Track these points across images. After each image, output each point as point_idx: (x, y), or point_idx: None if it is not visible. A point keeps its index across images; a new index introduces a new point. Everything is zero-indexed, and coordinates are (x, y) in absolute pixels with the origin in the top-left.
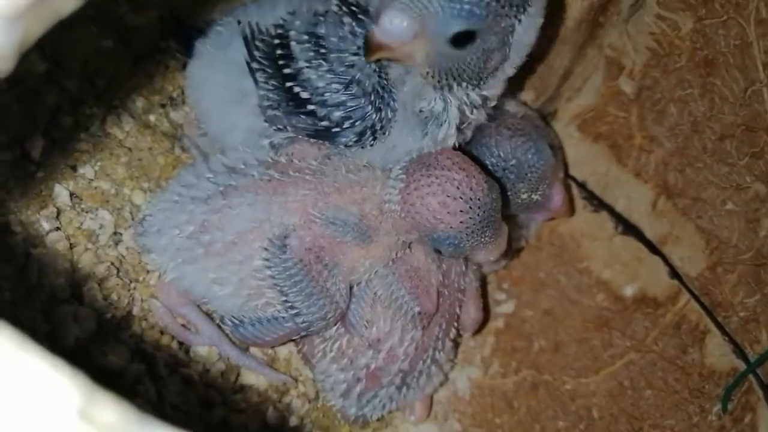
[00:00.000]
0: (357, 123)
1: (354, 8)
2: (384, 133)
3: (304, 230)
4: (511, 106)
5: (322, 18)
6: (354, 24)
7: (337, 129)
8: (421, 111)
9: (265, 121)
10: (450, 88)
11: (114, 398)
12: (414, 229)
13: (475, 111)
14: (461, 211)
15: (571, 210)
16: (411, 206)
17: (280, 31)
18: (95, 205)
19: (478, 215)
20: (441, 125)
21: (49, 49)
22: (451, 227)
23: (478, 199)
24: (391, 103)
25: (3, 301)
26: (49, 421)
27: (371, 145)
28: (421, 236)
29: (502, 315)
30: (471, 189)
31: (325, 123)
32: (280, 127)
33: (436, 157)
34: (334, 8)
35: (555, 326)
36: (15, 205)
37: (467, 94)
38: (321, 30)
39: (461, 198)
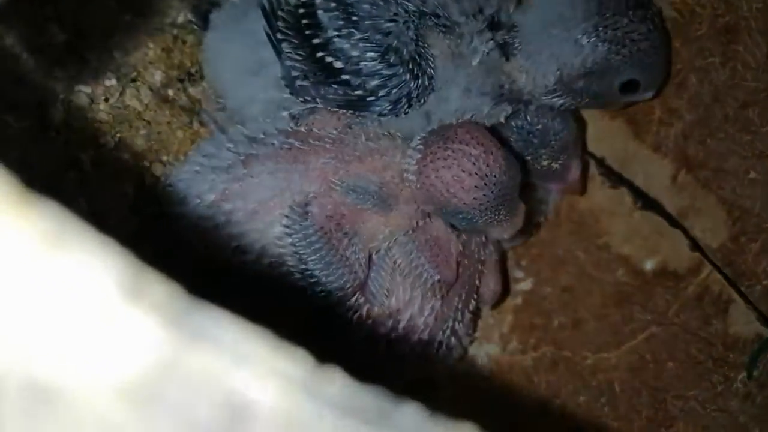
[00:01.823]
0: (393, 91)
1: None
2: (420, 101)
3: (324, 198)
4: None
5: None
6: None
7: (371, 98)
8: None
9: (292, 93)
10: None
11: (163, 279)
12: (429, 200)
13: None
14: (476, 187)
15: (584, 188)
16: (426, 178)
17: (303, 0)
18: (115, 175)
19: (493, 192)
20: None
21: (69, 21)
22: (464, 203)
23: (494, 176)
24: (428, 70)
25: None
26: (93, 296)
27: (405, 113)
28: (436, 208)
29: (520, 292)
30: (488, 165)
31: (359, 92)
32: (308, 98)
33: (456, 130)
34: None
35: (574, 303)
36: (36, 172)
37: None
38: None
39: (476, 174)
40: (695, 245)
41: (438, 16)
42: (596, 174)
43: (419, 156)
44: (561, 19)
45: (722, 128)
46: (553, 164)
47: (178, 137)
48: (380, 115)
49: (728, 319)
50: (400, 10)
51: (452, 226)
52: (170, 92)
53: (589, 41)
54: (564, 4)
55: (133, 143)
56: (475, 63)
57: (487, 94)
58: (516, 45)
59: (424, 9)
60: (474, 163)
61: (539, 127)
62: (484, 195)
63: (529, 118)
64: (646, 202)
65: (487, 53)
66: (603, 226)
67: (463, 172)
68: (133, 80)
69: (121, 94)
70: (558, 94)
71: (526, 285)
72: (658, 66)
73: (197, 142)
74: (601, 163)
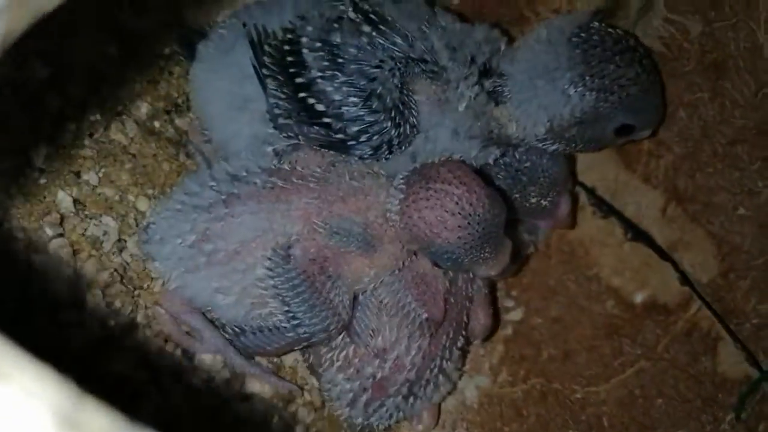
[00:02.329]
0: (374, 137)
1: (372, 16)
2: (401, 148)
3: (307, 240)
4: None
5: (336, 25)
6: (374, 33)
7: (352, 142)
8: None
9: (275, 128)
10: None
11: (102, 406)
12: (413, 240)
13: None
14: (459, 226)
15: (574, 222)
16: (409, 218)
17: (290, 36)
18: (99, 212)
19: (477, 231)
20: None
21: (53, 56)
22: (448, 242)
23: (478, 215)
24: (411, 119)
25: (4, 309)
26: (30, 427)
27: (386, 159)
28: (420, 248)
29: (510, 322)
30: (470, 204)
31: (339, 135)
32: (291, 135)
33: (438, 169)
34: (351, 15)
35: (564, 334)
36: (17, 212)
37: None
38: (336, 38)
39: (460, 214)
40: (685, 279)
41: (425, 62)
42: (587, 204)
43: (402, 196)
44: (546, 70)
45: (711, 163)
46: (542, 201)
47: (164, 170)
48: (360, 158)
49: (717, 357)
50: (386, 56)
51: (438, 264)
52: (156, 124)
53: (576, 91)
54: (549, 53)
55: (118, 178)
56: (461, 108)
57: (476, 138)
58: (505, 93)
59: (412, 55)
60: (457, 203)
61: (527, 164)
62: (469, 234)
63: (517, 155)
64: (636, 233)
65: (474, 98)
66: (593, 257)
67: (446, 212)
68: (119, 113)
69: (106, 128)
70: (550, 141)
71: (516, 315)
72: (651, 107)
73: (182, 175)
74: (591, 193)
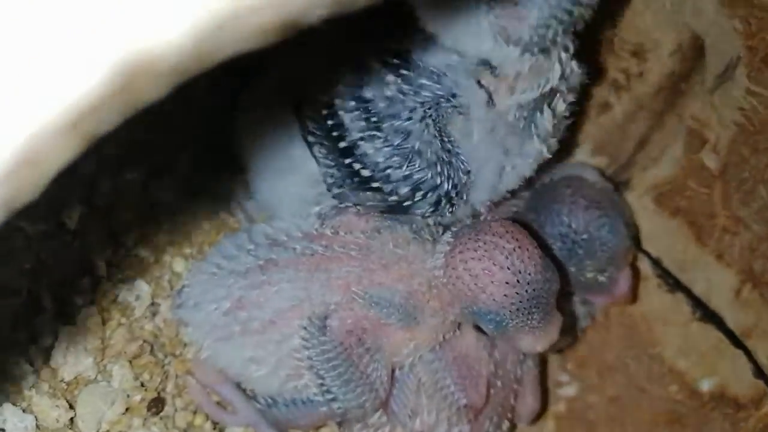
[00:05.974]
0: (429, 194)
1: (396, 60)
2: (462, 198)
3: (345, 311)
4: (589, 174)
5: (365, 78)
6: (400, 81)
7: (408, 203)
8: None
9: (334, 197)
10: None
11: None
12: (455, 299)
13: None
14: (507, 283)
15: (634, 298)
16: (453, 270)
17: (326, 98)
18: (133, 275)
19: (527, 292)
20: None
21: None
22: (493, 299)
23: (529, 274)
24: (461, 165)
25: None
26: None
27: (450, 213)
28: (462, 309)
29: (563, 398)
30: (522, 261)
31: (394, 198)
32: (349, 204)
33: (490, 224)
34: (375, 64)
35: (621, 416)
36: (47, 280)
37: None
38: (367, 93)
39: (509, 269)
40: (759, 372)
41: (455, 96)
42: (651, 275)
43: (448, 248)
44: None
45: None
46: (599, 277)
47: (203, 228)
48: (424, 216)
49: None
50: (416, 103)
51: (486, 340)
52: (197, 179)
53: None
54: None
55: (155, 237)
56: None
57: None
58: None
59: (439, 92)
60: (507, 257)
61: (585, 236)
62: (517, 293)
63: (574, 225)
64: (706, 313)
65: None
66: (656, 335)
67: (495, 265)
68: (158, 169)
69: (144, 185)
70: None
71: (570, 390)
72: None
73: (222, 234)
74: (657, 264)
